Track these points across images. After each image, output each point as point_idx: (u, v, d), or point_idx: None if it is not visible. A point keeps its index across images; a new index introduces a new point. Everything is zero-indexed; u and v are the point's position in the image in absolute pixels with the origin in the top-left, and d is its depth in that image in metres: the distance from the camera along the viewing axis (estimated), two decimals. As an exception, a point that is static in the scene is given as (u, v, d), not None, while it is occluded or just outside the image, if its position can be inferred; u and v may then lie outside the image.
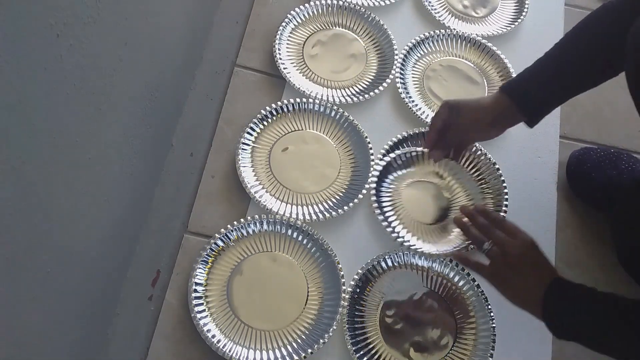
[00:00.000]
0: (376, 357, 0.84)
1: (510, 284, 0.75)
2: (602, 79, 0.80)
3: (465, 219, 0.85)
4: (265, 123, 0.99)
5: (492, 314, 0.86)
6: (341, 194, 0.94)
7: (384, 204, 0.91)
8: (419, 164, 0.95)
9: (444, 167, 0.94)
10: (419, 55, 1.09)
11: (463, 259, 0.83)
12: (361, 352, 0.83)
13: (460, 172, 0.93)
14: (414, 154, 0.94)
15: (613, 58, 0.76)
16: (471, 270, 0.83)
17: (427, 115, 1.02)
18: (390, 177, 0.93)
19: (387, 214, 0.91)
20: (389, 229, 0.89)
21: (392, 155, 0.94)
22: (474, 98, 0.84)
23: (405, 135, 0.99)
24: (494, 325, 0.85)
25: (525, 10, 1.14)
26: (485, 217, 0.81)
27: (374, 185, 0.92)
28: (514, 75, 1.06)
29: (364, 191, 0.92)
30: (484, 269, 0.78)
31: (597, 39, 0.77)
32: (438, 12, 1.13)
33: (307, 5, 1.10)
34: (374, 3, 1.12)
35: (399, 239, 0.88)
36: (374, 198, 0.91)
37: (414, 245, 0.89)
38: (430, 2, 1.14)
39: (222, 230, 0.89)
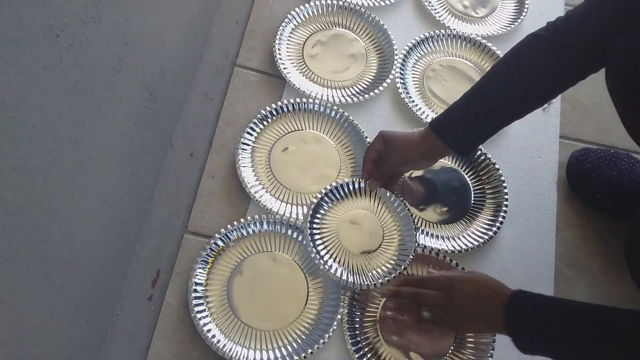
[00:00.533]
0: (376, 357, 0.84)
1: (466, 325, 0.77)
2: (529, 110, 0.80)
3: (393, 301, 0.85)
4: (265, 123, 0.99)
5: (492, 314, 0.86)
6: (341, 194, 0.94)
7: (315, 233, 0.89)
8: (352, 197, 0.92)
9: (377, 198, 0.92)
10: (419, 55, 1.09)
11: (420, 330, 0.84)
12: (361, 352, 0.83)
13: (390, 203, 0.92)
14: (347, 186, 0.92)
15: (538, 87, 0.76)
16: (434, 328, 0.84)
17: (427, 115, 1.02)
18: (325, 207, 0.91)
19: (316, 242, 0.88)
20: (317, 257, 0.86)
21: (329, 187, 0.91)
22: (406, 134, 0.84)
23: (405, 135, 0.99)
24: (494, 325, 0.85)
25: (525, 10, 1.14)
26: (407, 285, 0.82)
27: (310, 212, 0.89)
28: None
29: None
30: (439, 324, 0.79)
31: (521, 70, 0.76)
32: (438, 12, 1.13)
33: (307, 5, 1.10)
34: (374, 3, 1.12)
35: (326, 266, 0.85)
36: (307, 225, 0.88)
37: (337, 274, 0.85)
38: (430, 2, 1.14)
39: (222, 230, 0.89)
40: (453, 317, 0.76)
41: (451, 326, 0.79)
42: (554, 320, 0.67)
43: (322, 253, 0.87)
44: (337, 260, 0.88)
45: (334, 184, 0.92)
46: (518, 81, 0.77)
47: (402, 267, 0.86)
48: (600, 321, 0.66)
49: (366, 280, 0.86)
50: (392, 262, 0.88)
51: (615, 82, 0.68)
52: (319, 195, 0.90)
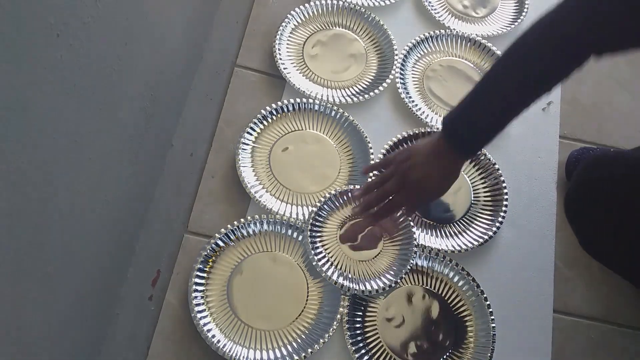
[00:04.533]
0: (376, 357, 0.84)
1: (427, 185, 0.78)
2: (536, 101, 0.74)
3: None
4: (265, 123, 0.99)
5: (492, 314, 0.86)
6: (341, 194, 0.94)
7: (316, 240, 0.89)
8: (352, 203, 0.92)
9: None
10: (419, 55, 1.09)
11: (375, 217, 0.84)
12: (361, 352, 0.83)
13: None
14: (347, 194, 0.92)
15: (546, 77, 0.70)
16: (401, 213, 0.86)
17: (427, 115, 1.02)
18: (324, 214, 0.91)
19: (317, 249, 0.88)
20: (316, 259, 0.86)
21: (328, 194, 0.91)
22: (428, 167, 0.80)
23: (405, 135, 0.99)
24: (494, 325, 0.86)
25: (525, 10, 1.14)
26: (369, 189, 0.84)
27: (310, 220, 0.89)
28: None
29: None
30: (400, 201, 0.80)
31: (526, 57, 0.71)
32: (438, 12, 1.13)
33: (307, 5, 1.10)
34: (374, 3, 1.12)
35: (327, 273, 0.86)
36: (309, 228, 0.88)
37: (337, 281, 0.86)
38: (430, 2, 1.14)
39: (222, 230, 0.89)
40: (413, 175, 0.77)
41: (417, 187, 0.78)
42: (475, 106, 0.72)
43: (323, 261, 0.87)
44: (338, 266, 0.88)
45: (332, 192, 0.92)
46: (524, 68, 0.71)
47: (403, 272, 0.86)
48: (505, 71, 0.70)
49: (367, 286, 0.85)
50: (393, 268, 0.88)
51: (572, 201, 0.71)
52: (319, 204, 0.91)
